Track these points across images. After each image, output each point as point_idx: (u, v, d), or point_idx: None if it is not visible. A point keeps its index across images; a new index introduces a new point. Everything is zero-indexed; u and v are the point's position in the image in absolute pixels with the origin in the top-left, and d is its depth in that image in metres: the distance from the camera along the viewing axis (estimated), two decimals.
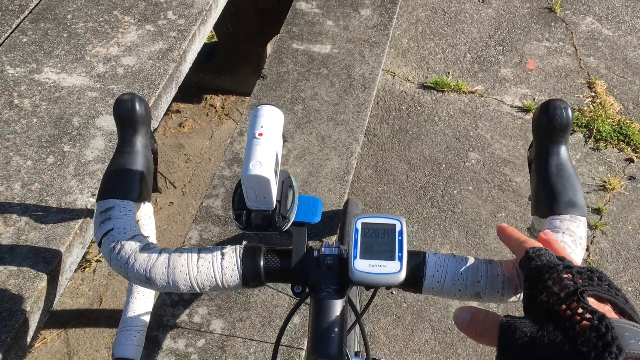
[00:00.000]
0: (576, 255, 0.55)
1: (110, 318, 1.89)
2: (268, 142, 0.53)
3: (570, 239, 0.56)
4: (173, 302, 1.21)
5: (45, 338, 1.81)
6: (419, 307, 1.67)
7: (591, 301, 0.39)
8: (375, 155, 2.02)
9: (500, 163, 2.00)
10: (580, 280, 0.40)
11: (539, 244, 0.48)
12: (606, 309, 0.39)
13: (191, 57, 1.33)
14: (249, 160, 0.52)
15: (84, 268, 1.99)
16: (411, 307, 1.67)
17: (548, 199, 0.59)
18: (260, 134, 0.54)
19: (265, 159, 0.52)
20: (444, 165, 1.99)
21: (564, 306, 0.38)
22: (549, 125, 0.61)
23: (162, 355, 1.14)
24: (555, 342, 0.37)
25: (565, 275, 0.41)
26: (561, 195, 0.58)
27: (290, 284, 0.59)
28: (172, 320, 1.19)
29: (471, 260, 0.56)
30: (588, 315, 0.36)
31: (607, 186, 1.94)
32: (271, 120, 0.55)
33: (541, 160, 0.61)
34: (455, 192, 1.92)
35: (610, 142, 2.06)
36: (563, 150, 0.61)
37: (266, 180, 0.52)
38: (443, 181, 1.95)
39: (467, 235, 1.81)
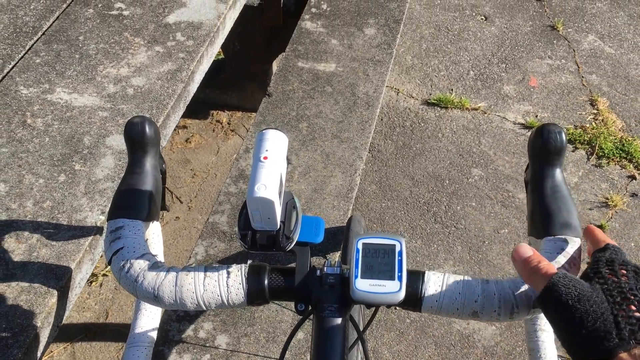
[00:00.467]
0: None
1: (117, 332, 1.91)
2: (273, 166, 0.55)
3: (565, 259, 0.57)
4: (179, 318, 1.23)
5: (52, 352, 1.83)
6: (422, 322, 1.68)
7: None
8: (379, 171, 2.04)
9: (503, 179, 2.02)
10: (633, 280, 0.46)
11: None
12: None
13: (199, 77, 1.36)
14: (254, 182, 0.54)
15: (91, 282, 2.01)
16: (414, 323, 1.68)
17: (543, 220, 0.61)
18: (265, 158, 0.56)
19: (270, 182, 0.54)
20: (447, 181, 2.01)
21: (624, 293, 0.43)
22: (543, 148, 0.63)
23: None
24: (601, 306, 0.42)
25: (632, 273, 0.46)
26: (556, 217, 0.60)
27: (293, 302, 0.61)
28: (177, 336, 1.20)
29: (468, 280, 0.58)
30: (637, 315, 0.41)
31: (609, 203, 1.95)
32: (276, 144, 0.57)
33: (537, 182, 0.63)
34: (458, 208, 1.94)
35: (613, 159, 2.08)
36: (558, 172, 0.63)
37: (271, 202, 0.54)
38: (446, 197, 1.96)
39: (470, 251, 1.82)
